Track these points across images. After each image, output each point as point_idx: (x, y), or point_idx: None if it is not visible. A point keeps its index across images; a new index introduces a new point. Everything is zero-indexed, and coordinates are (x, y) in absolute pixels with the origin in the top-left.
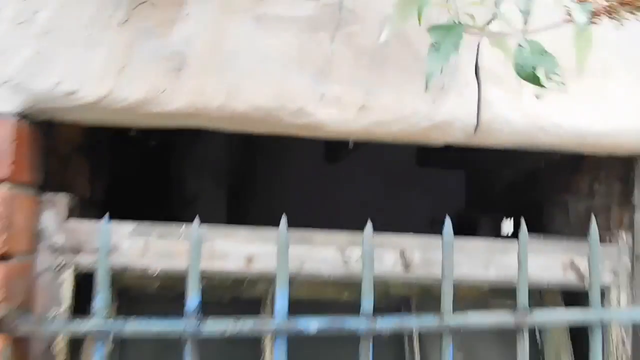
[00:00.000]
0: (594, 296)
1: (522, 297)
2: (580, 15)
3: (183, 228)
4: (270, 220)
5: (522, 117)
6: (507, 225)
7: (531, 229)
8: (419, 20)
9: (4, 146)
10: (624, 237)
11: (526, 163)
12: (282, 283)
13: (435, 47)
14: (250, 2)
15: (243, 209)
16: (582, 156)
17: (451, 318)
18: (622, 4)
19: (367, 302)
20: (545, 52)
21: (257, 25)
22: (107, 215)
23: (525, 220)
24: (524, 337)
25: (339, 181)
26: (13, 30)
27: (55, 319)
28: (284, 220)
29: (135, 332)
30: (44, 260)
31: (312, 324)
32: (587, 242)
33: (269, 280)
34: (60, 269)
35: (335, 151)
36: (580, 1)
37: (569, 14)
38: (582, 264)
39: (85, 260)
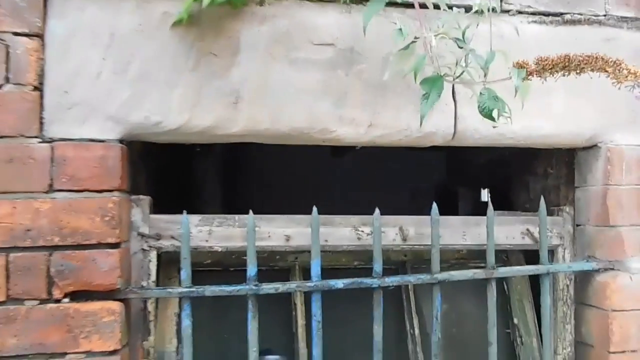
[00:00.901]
0: (543, 254)
1: (490, 258)
2: (517, 79)
3: (237, 217)
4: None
5: (486, 126)
6: (484, 195)
7: (502, 203)
8: (415, 78)
9: (115, 165)
10: (568, 210)
11: (497, 149)
12: (316, 254)
13: (425, 96)
14: (286, 50)
15: (241, 192)
16: None
17: (439, 274)
18: (543, 69)
19: (378, 265)
20: (498, 97)
21: (291, 67)
22: (185, 211)
23: (497, 195)
24: (493, 287)
25: (339, 165)
26: (113, 78)
27: (151, 287)
28: (315, 210)
29: (213, 293)
30: (135, 245)
31: (338, 283)
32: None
33: (296, 254)
34: (147, 251)
35: (340, 148)
36: (519, 67)
37: (510, 76)
38: (535, 231)
39: (164, 244)
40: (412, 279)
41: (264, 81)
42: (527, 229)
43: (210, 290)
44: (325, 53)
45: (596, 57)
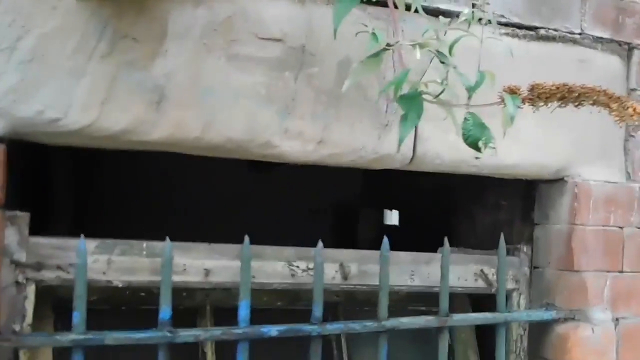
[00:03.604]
0: (500, 301)
1: (444, 304)
2: (512, 107)
3: (145, 245)
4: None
5: (449, 151)
6: (389, 218)
7: (438, 234)
8: (395, 94)
9: None
10: (525, 250)
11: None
12: (245, 294)
13: (404, 117)
14: (224, 42)
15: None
16: None
17: (387, 321)
18: (538, 98)
19: (317, 308)
20: (484, 125)
21: (230, 64)
22: (82, 235)
23: (433, 225)
24: (445, 337)
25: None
26: None
27: (31, 333)
28: (247, 239)
29: (117, 342)
30: (7, 276)
31: (272, 330)
32: (495, 254)
33: (207, 291)
34: (23, 284)
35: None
36: (511, 92)
37: (502, 100)
38: (490, 273)
39: (47, 276)
40: (357, 326)
41: (195, 78)
42: (481, 270)
43: (113, 337)
44: (272, 50)
45: (599, 91)
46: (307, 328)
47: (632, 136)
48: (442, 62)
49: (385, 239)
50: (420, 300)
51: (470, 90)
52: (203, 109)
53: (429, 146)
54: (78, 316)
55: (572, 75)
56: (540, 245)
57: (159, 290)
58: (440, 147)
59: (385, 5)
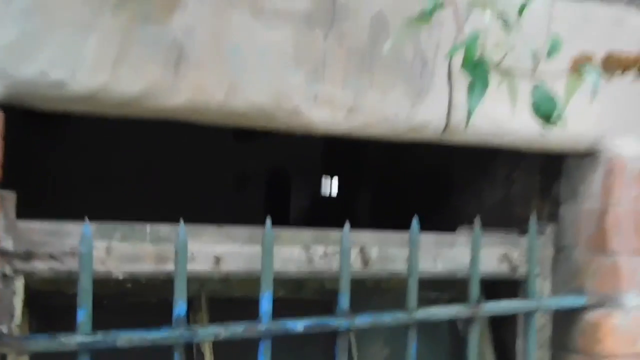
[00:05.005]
0: (531, 287)
1: (474, 291)
2: (595, 80)
3: (149, 228)
4: None
5: (485, 121)
6: (326, 186)
7: (433, 208)
8: (466, 65)
9: None
10: (549, 230)
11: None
12: (267, 284)
13: (470, 87)
14: None
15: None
16: None
17: (418, 312)
18: (617, 67)
19: (344, 299)
20: (554, 98)
21: (255, 19)
22: (86, 218)
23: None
24: (477, 327)
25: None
26: None
27: (30, 337)
28: (268, 222)
29: (130, 343)
30: None
31: (297, 325)
32: (517, 235)
33: (201, 280)
34: (11, 278)
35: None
36: (586, 61)
37: (579, 70)
38: (514, 256)
39: (39, 267)
40: (388, 318)
41: (217, 35)
42: (505, 253)
43: (126, 338)
44: (301, 2)
45: None
46: (334, 322)
47: None
48: (505, 25)
49: (415, 219)
50: (429, 286)
51: (546, 57)
52: (226, 70)
53: (464, 115)
54: (84, 314)
55: (607, 35)
56: (566, 225)
57: (162, 282)
58: (477, 118)
59: None
